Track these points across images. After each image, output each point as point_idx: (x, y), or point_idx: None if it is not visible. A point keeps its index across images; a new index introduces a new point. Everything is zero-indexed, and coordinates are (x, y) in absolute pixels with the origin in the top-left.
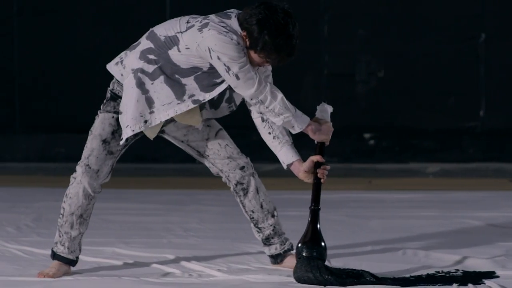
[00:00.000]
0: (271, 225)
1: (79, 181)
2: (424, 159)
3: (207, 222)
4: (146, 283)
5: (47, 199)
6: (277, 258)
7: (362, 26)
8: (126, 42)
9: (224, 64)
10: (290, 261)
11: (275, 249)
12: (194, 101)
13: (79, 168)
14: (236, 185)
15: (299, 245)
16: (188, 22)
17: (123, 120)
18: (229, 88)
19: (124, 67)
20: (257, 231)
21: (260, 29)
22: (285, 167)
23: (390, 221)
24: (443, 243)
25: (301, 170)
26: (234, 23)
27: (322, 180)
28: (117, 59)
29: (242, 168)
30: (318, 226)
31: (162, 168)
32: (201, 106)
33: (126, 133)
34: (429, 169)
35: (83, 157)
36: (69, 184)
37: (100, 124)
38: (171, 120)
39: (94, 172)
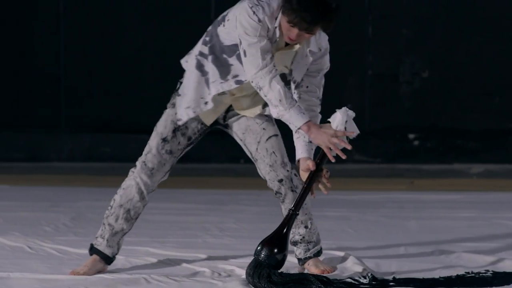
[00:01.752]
0: (300, 235)
1: (136, 176)
2: (468, 160)
3: (244, 222)
4: (173, 282)
5: (88, 199)
6: (299, 261)
7: (406, 26)
8: (172, 41)
9: (239, 36)
10: (310, 265)
11: (298, 253)
12: (237, 82)
13: (138, 164)
14: (275, 193)
15: (259, 245)
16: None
17: (182, 102)
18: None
19: (189, 54)
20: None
21: (296, 6)
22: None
23: (428, 222)
24: (477, 245)
25: (301, 169)
26: (273, 1)
27: (310, 188)
28: (188, 54)
29: (280, 180)
30: (286, 230)
31: (207, 168)
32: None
33: (187, 114)
34: (473, 169)
35: (143, 153)
36: (127, 176)
37: (163, 122)
38: (233, 115)
39: (149, 170)
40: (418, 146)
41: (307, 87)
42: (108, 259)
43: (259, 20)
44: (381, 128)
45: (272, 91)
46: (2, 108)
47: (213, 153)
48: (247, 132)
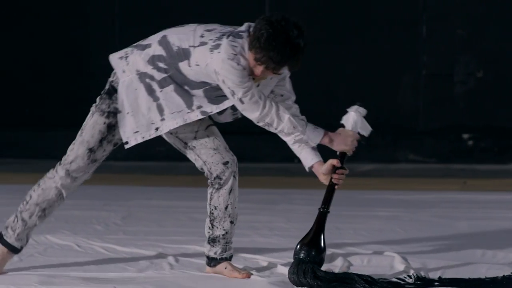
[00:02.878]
0: (224, 229)
1: (56, 181)
2: None
3: (294, 222)
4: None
5: (140, 198)
6: (211, 261)
7: (460, 26)
8: None
9: (229, 88)
10: (221, 269)
11: (214, 252)
12: (202, 112)
13: (60, 170)
14: (215, 178)
15: (298, 245)
16: (202, 36)
17: (127, 123)
18: None
19: (128, 63)
20: (209, 228)
21: (264, 45)
22: (307, 169)
23: (478, 222)
24: None
25: (320, 172)
26: (245, 43)
27: (336, 185)
28: (121, 53)
29: (225, 163)
30: (322, 228)
31: (260, 167)
32: None
33: (136, 139)
34: None
35: (67, 159)
36: (46, 175)
37: (91, 129)
38: None
39: (73, 178)
40: (472, 146)
41: (282, 95)
42: (16, 250)
43: (244, 68)
44: (436, 128)
45: (282, 123)
46: (60, 109)
47: (267, 153)
48: (178, 127)
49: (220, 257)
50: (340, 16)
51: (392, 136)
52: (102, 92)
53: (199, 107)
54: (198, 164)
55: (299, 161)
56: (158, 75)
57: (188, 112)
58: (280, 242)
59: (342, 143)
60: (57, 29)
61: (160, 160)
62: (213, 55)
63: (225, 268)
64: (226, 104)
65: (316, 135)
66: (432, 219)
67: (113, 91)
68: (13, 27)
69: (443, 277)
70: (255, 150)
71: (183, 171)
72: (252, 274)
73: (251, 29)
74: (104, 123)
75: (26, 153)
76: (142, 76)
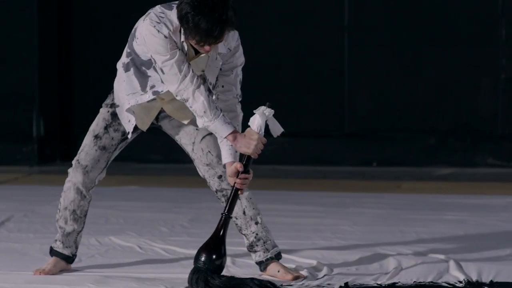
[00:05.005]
0: (253, 232)
1: (71, 177)
2: None
3: (359, 225)
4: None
5: (211, 200)
6: (260, 265)
7: None
8: (306, 46)
9: (151, 56)
10: (274, 269)
11: (258, 256)
12: (154, 92)
13: (73, 163)
14: (216, 192)
15: (197, 251)
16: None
17: (123, 115)
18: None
19: (119, 61)
20: (244, 237)
21: (184, 13)
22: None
23: None
24: None
25: (227, 173)
26: (173, 14)
27: (239, 190)
28: None
29: (219, 177)
30: (222, 234)
31: (337, 170)
32: None
33: (130, 127)
34: None
35: (78, 152)
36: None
37: (96, 120)
38: (165, 117)
39: (83, 168)
40: None
41: (222, 86)
42: (69, 259)
43: (165, 37)
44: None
45: (196, 103)
46: None
47: (345, 156)
48: (180, 133)
49: (265, 258)
50: (419, 18)
51: (471, 140)
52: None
53: (152, 87)
54: (200, 174)
55: (377, 164)
56: (126, 60)
57: (142, 94)
58: (340, 246)
59: (245, 145)
60: None
61: None
62: (141, 23)
63: (278, 272)
64: None
65: (222, 129)
66: (499, 223)
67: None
68: None
69: (495, 281)
70: (333, 154)
71: (261, 174)
72: (302, 274)
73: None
74: (108, 111)
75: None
76: (121, 66)
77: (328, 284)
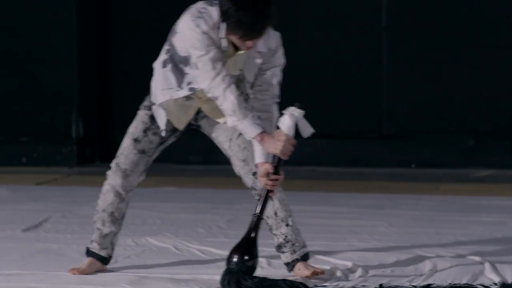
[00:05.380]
0: (283, 234)
1: (111, 179)
2: None
3: (395, 227)
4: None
5: (249, 201)
6: (287, 266)
7: None
8: (344, 47)
9: (188, 49)
10: (296, 268)
11: (285, 257)
12: (191, 89)
13: (112, 165)
14: (250, 189)
15: (229, 253)
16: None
17: (159, 113)
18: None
19: (158, 59)
20: (274, 236)
21: (227, 8)
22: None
23: None
24: None
25: (258, 174)
26: (214, 10)
27: (270, 192)
28: None
29: (254, 173)
30: (254, 235)
31: (375, 172)
32: None
33: (161, 124)
34: None
35: (117, 154)
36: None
37: (135, 122)
38: (204, 116)
39: (123, 171)
40: None
41: (260, 85)
42: (104, 260)
43: (203, 32)
44: None
45: (226, 101)
46: None
47: (383, 158)
48: (218, 131)
49: (292, 260)
50: (457, 19)
51: (509, 142)
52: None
53: (189, 83)
54: (235, 171)
55: (416, 166)
56: (164, 57)
57: (177, 90)
58: (376, 247)
59: (272, 146)
60: None
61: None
62: (182, 16)
63: (299, 270)
64: None
65: (251, 130)
66: None
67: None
68: None
69: None
70: (371, 155)
71: (300, 175)
72: (321, 270)
73: None
74: (146, 114)
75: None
76: (159, 64)
77: (363, 286)
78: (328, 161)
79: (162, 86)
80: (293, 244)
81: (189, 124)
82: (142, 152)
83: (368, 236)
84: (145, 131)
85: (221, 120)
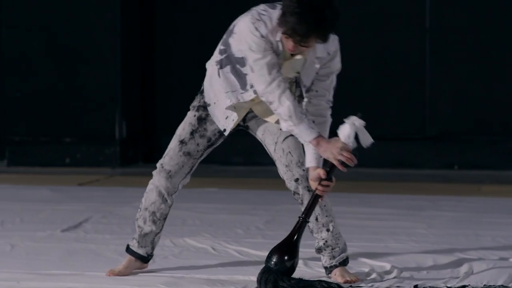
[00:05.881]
0: (323, 239)
1: (154, 181)
2: None
3: (435, 228)
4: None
5: (289, 202)
6: (326, 270)
7: None
8: (387, 48)
9: (244, 51)
10: (336, 275)
11: (324, 262)
12: (255, 91)
13: (157, 166)
14: (293, 194)
15: (270, 252)
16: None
17: (219, 112)
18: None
19: (211, 59)
20: (315, 238)
21: (286, 10)
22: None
23: None
24: None
25: (309, 178)
26: (275, 13)
27: (320, 197)
28: None
29: (296, 180)
30: (296, 237)
31: (418, 174)
32: None
33: (229, 124)
34: None
35: (163, 155)
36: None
37: (183, 124)
38: (253, 117)
39: (167, 172)
40: None
41: (316, 91)
42: (143, 259)
43: (262, 36)
44: None
45: (282, 107)
46: None
47: (426, 159)
48: (265, 133)
49: (330, 265)
50: (501, 20)
51: None
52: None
53: (252, 85)
54: (280, 174)
55: (458, 167)
56: (219, 57)
57: (242, 92)
58: (414, 248)
59: (327, 150)
60: None
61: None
62: (242, 19)
63: (335, 275)
64: None
65: (307, 134)
66: None
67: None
68: None
69: None
70: (414, 156)
71: (342, 176)
72: (356, 279)
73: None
74: (194, 116)
75: None
76: (215, 64)
77: (397, 287)
78: (371, 162)
79: (225, 89)
80: (332, 249)
81: (238, 125)
82: (188, 154)
83: (406, 238)
84: (192, 133)
85: (272, 120)
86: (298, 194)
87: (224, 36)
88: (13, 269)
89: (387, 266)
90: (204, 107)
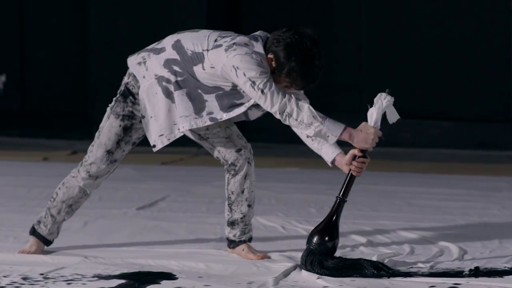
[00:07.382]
0: (242, 213)
1: (79, 180)
2: None
3: (508, 209)
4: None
5: (365, 183)
6: (231, 243)
7: None
8: (472, 30)
9: (250, 79)
10: (239, 248)
11: (233, 235)
12: (212, 119)
13: (82, 171)
14: (230, 165)
15: (310, 233)
16: (215, 41)
17: (152, 127)
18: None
19: (147, 69)
20: (228, 211)
21: (287, 54)
22: (330, 165)
23: None
24: None
25: (343, 164)
26: (259, 46)
27: (355, 173)
28: (139, 58)
29: (238, 150)
30: (335, 218)
31: (502, 155)
32: None
33: (162, 142)
34: None
35: (87, 160)
36: (70, 173)
37: (107, 132)
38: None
39: (94, 178)
40: None
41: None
42: (48, 243)
43: (261, 60)
44: None
45: (302, 111)
46: None
47: (510, 141)
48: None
49: (238, 239)
50: None
51: None
52: (117, 93)
53: (209, 113)
54: (213, 153)
55: None
56: (173, 78)
57: (196, 118)
58: (482, 229)
59: (363, 140)
60: None
61: (404, 146)
62: (229, 54)
63: (243, 250)
64: (236, 112)
65: (336, 128)
66: None
67: (128, 93)
68: None
69: None
70: (498, 138)
71: (425, 157)
72: (269, 257)
73: (270, 37)
74: (120, 125)
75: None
76: (159, 79)
77: (458, 268)
78: (455, 143)
79: (180, 113)
80: (245, 225)
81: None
82: (115, 161)
83: (478, 218)
84: (118, 142)
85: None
86: (235, 165)
87: (179, 59)
88: (83, 244)
89: (452, 247)
90: (130, 116)
